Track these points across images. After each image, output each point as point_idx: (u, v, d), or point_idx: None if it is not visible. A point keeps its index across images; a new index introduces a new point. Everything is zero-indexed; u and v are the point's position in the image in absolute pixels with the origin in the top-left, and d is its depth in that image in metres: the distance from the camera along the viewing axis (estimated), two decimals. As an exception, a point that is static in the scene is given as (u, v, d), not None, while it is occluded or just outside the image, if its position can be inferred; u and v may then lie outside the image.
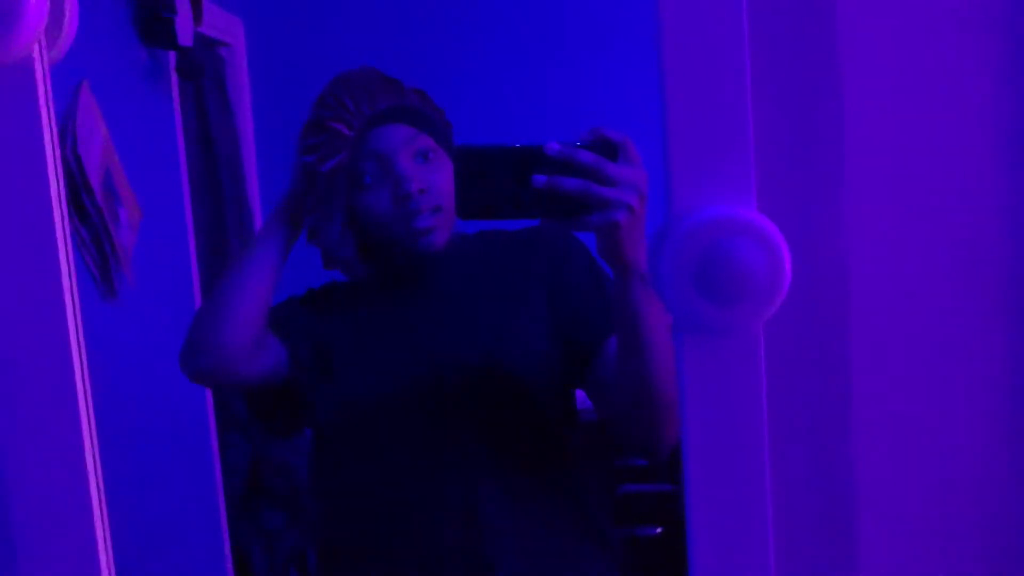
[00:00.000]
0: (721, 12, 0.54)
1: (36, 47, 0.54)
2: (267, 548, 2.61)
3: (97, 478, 0.64)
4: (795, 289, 0.56)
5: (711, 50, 0.54)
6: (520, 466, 1.20)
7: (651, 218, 0.81)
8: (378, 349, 1.23)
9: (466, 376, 1.18)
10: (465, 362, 1.19)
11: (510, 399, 1.18)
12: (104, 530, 0.64)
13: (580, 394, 1.25)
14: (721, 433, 0.58)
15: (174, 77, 2.40)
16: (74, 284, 0.61)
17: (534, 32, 3.07)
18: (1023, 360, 0.61)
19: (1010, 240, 0.59)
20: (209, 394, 2.51)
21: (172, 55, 2.38)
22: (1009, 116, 0.57)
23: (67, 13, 0.56)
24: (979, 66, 0.57)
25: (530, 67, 3.06)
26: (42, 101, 0.55)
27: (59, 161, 0.56)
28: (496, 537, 1.17)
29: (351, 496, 1.24)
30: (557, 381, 1.19)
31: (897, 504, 0.64)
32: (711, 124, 0.54)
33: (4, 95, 0.54)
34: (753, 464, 0.58)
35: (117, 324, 2.00)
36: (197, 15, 2.37)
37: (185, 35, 2.32)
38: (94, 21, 2.15)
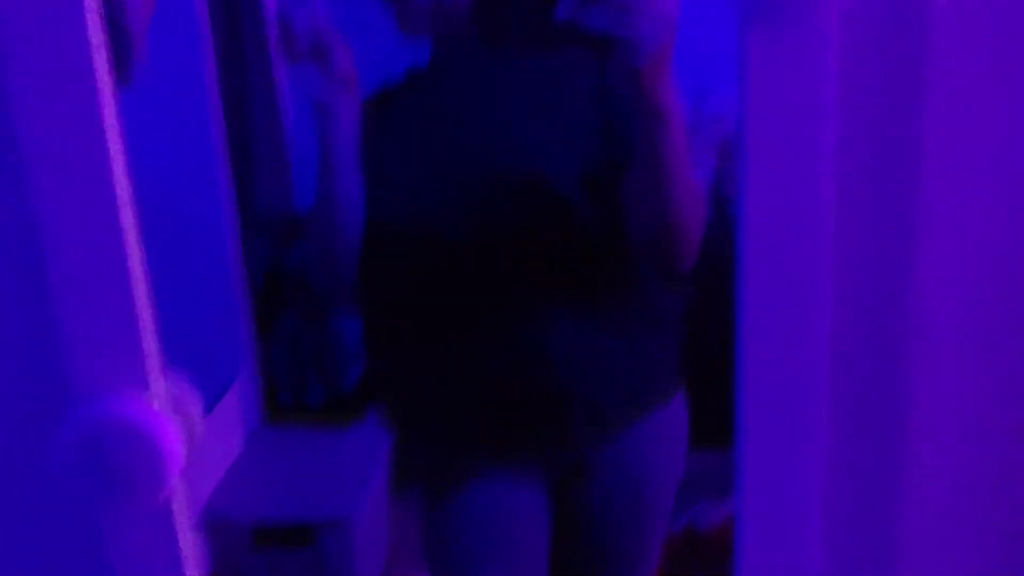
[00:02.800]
0: None
1: None
2: (288, 351, 2.65)
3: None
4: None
5: None
6: (585, 285, 1.17)
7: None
8: (421, 164, 1.18)
9: (516, 187, 1.13)
10: (514, 173, 1.14)
11: (561, 205, 1.14)
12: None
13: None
14: (784, 148, 0.54)
15: None
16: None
17: None
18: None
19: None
20: (229, 190, 2.48)
21: None
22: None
23: None
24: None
25: None
26: None
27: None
28: (565, 366, 1.16)
29: (402, 317, 1.22)
30: (607, 188, 1.14)
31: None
32: None
33: None
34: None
35: (132, 113, 1.95)
36: None
37: None
38: None
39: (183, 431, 0.61)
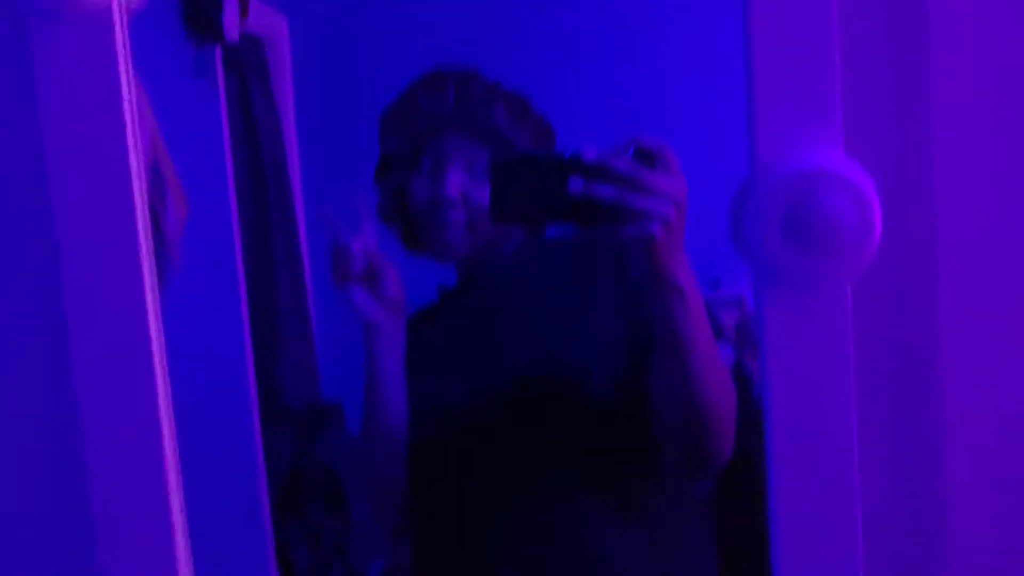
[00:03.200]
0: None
1: (115, -3, 0.54)
2: (310, 542, 2.61)
3: (174, 460, 0.64)
4: (883, 243, 0.54)
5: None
6: (612, 471, 1.18)
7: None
8: (449, 371, 1.22)
9: (540, 385, 1.17)
10: (537, 371, 1.17)
11: (587, 401, 1.16)
12: (181, 524, 0.63)
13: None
14: (805, 393, 0.56)
15: (220, 71, 2.42)
16: (149, 244, 0.61)
17: (580, 32, 3.06)
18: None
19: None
20: (253, 386, 2.52)
21: (218, 49, 2.39)
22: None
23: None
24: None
25: (574, 70, 3.04)
26: (120, 49, 0.54)
27: (135, 110, 0.55)
28: (596, 553, 1.15)
29: (447, 518, 1.23)
30: (632, 380, 1.16)
31: (989, 478, 0.61)
32: (797, 68, 0.53)
33: (85, 44, 0.54)
34: (840, 423, 0.56)
35: (164, 313, 2.02)
36: (244, 9, 2.38)
37: (231, 30, 2.34)
38: (142, 15, 2.16)
39: None
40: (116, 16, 0.55)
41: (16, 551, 0.64)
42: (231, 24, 2.33)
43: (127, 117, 0.54)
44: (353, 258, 1.12)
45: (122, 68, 0.54)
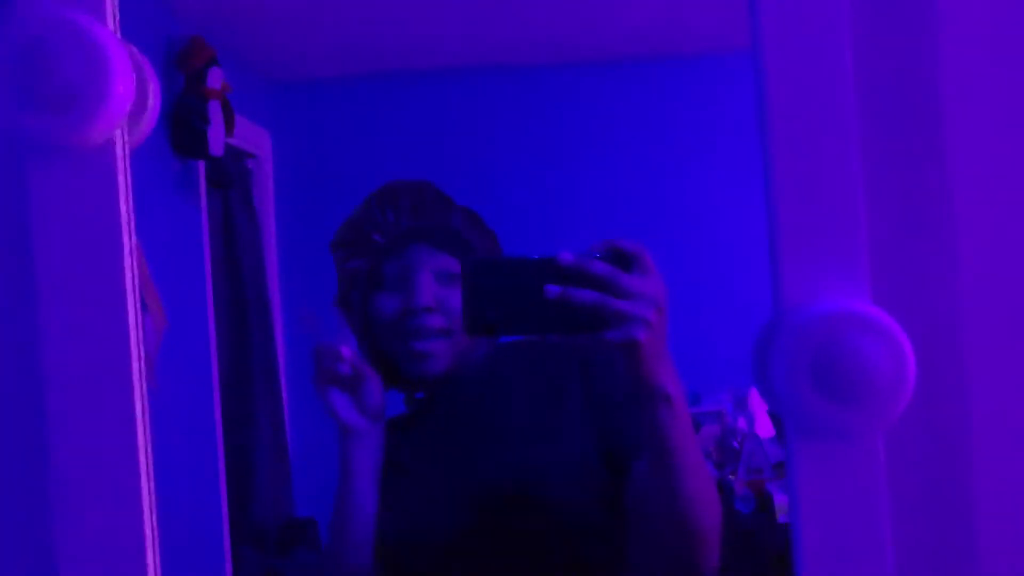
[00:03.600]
0: (829, 98, 0.52)
1: (119, 132, 0.52)
2: (280, 672, 2.49)
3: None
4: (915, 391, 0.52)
5: (819, 137, 0.52)
6: None
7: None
8: (419, 484, 1.19)
9: (513, 503, 1.13)
10: (509, 489, 1.14)
11: (564, 518, 1.12)
12: None
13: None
14: (838, 547, 0.53)
15: (203, 186, 2.42)
16: (143, 367, 0.58)
17: (556, 143, 3.11)
18: None
19: None
20: (224, 507, 2.44)
21: (202, 164, 2.40)
22: None
23: (151, 98, 0.54)
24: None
25: (553, 175, 3.09)
26: (121, 187, 0.52)
27: (134, 248, 0.53)
28: None
29: None
30: (608, 493, 1.13)
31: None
32: (822, 212, 0.51)
33: (85, 180, 0.52)
34: (873, 582, 0.53)
35: (137, 433, 1.96)
36: (229, 127, 2.40)
37: (217, 145, 2.35)
38: (128, 130, 2.18)
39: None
40: (119, 150, 0.53)
41: None
42: (216, 140, 2.35)
43: (126, 254, 0.51)
44: (339, 361, 1.08)
45: (123, 203, 0.52)
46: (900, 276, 0.54)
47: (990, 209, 0.56)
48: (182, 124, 2.27)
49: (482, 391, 1.19)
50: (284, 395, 2.73)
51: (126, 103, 0.51)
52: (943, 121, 0.56)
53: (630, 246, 0.85)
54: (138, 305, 0.55)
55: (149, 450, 0.62)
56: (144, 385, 0.58)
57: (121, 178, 0.52)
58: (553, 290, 0.81)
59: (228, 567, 2.49)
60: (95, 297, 0.53)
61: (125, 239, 0.52)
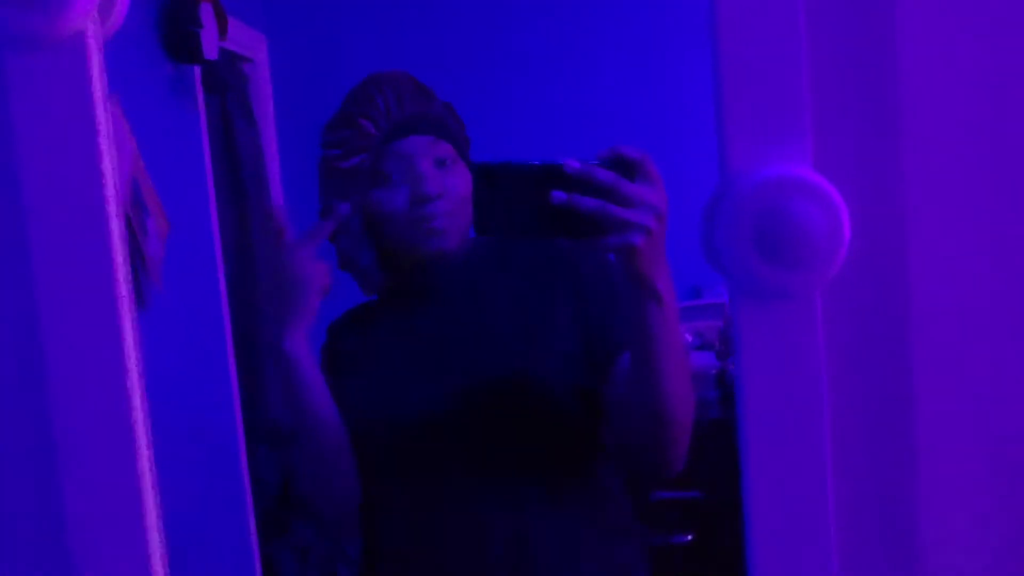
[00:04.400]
0: (773, -28, 0.54)
1: (89, 23, 0.54)
2: (299, 561, 2.60)
3: (153, 486, 0.64)
4: (853, 253, 0.55)
5: (764, 6, 0.53)
6: (561, 477, 1.18)
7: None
8: (405, 366, 1.22)
9: (498, 387, 1.17)
10: (495, 372, 1.18)
11: (544, 408, 1.16)
12: (160, 543, 0.64)
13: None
14: (779, 402, 0.57)
15: (200, 91, 2.42)
16: (127, 270, 0.61)
17: (558, 44, 3.08)
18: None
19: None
20: (238, 406, 2.51)
21: (197, 69, 2.40)
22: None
23: (118, -10, 0.56)
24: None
25: (553, 78, 3.07)
26: (95, 78, 0.55)
27: (111, 139, 0.56)
28: (544, 554, 1.15)
29: (393, 519, 1.23)
30: (587, 387, 1.17)
31: (961, 484, 0.62)
32: (765, 81, 0.54)
33: (58, 72, 0.54)
34: (812, 432, 0.57)
35: (146, 335, 2.01)
36: (222, 30, 2.39)
37: (210, 49, 2.34)
38: (121, 35, 2.17)
39: None
40: (90, 40, 0.55)
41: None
42: (210, 43, 2.34)
43: (102, 143, 0.54)
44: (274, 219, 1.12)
45: (97, 93, 0.54)
46: (843, 143, 0.56)
47: (934, 79, 0.58)
48: (174, 28, 2.25)
49: (475, 277, 1.23)
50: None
51: (93, -6, 0.53)
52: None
53: (634, 153, 0.88)
54: (118, 197, 0.58)
55: (137, 340, 0.64)
56: (128, 280, 0.60)
57: (95, 70, 0.55)
58: (559, 196, 0.84)
59: (244, 466, 2.57)
60: (75, 187, 0.56)
61: (101, 129, 0.54)
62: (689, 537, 2.42)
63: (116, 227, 0.56)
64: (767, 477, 0.57)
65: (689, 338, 2.82)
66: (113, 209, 0.56)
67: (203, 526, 2.26)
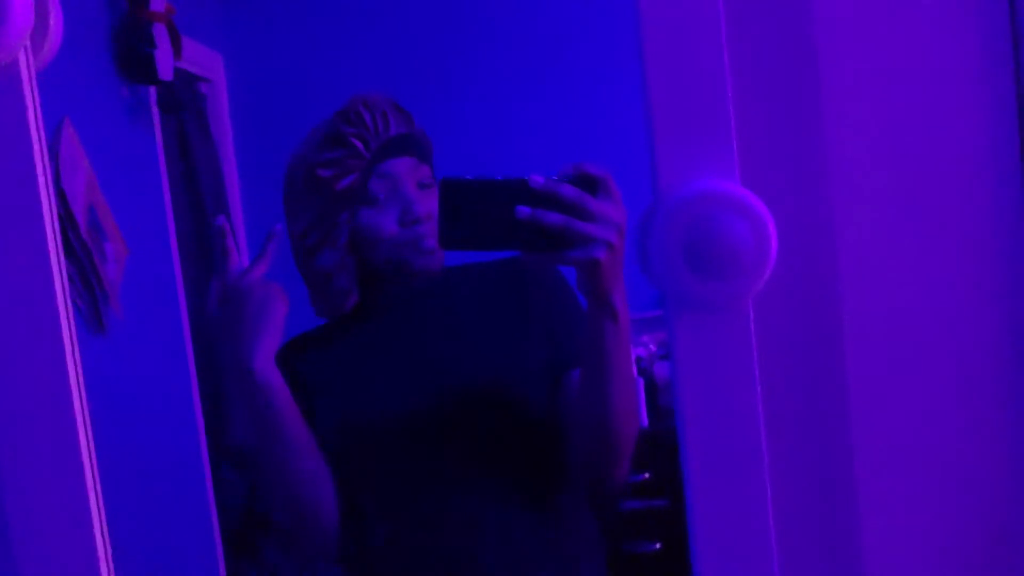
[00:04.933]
0: (696, -7, 0.55)
1: (22, 52, 0.55)
2: (265, 581, 2.58)
3: (100, 516, 0.64)
4: (782, 264, 0.57)
5: (690, 28, 0.55)
6: (523, 490, 1.19)
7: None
8: (381, 382, 1.23)
9: (472, 401, 1.18)
10: (470, 387, 1.19)
11: (512, 422, 1.18)
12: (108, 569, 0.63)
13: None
14: (716, 410, 0.58)
15: (155, 112, 2.41)
16: (68, 301, 0.61)
17: (517, 65, 3.09)
18: (1017, 327, 0.62)
19: (1000, 205, 0.60)
20: (201, 427, 2.49)
21: (153, 90, 2.39)
22: (993, 77, 0.58)
23: (52, 20, 0.57)
24: (960, 27, 0.58)
25: (514, 99, 3.08)
26: (30, 107, 0.55)
27: (48, 165, 0.56)
28: (504, 571, 1.17)
29: (364, 527, 1.23)
30: (552, 403, 1.19)
31: (896, 482, 0.64)
32: (692, 101, 0.55)
33: (-9, 101, 0.54)
34: (749, 441, 0.58)
35: (105, 358, 2.00)
36: (177, 50, 2.38)
37: (165, 70, 2.33)
38: (74, 57, 2.16)
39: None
40: (23, 71, 0.55)
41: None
42: (165, 64, 2.33)
43: (39, 174, 0.54)
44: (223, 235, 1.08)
45: (32, 123, 0.54)
46: (769, 158, 0.58)
47: (856, 93, 0.60)
48: (128, 49, 2.25)
49: (449, 295, 1.24)
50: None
51: (25, 23, 0.53)
52: (812, 5, 0.59)
53: (597, 171, 0.90)
54: (56, 225, 0.58)
55: (78, 362, 0.64)
56: (70, 306, 0.60)
57: (29, 100, 0.55)
58: (524, 211, 0.85)
59: (210, 488, 2.55)
60: (13, 218, 0.56)
61: (37, 157, 0.54)
62: (657, 545, 2.44)
63: (55, 254, 0.56)
64: (706, 485, 0.59)
65: (653, 348, 2.84)
66: (52, 237, 0.56)
67: (170, 550, 2.24)
